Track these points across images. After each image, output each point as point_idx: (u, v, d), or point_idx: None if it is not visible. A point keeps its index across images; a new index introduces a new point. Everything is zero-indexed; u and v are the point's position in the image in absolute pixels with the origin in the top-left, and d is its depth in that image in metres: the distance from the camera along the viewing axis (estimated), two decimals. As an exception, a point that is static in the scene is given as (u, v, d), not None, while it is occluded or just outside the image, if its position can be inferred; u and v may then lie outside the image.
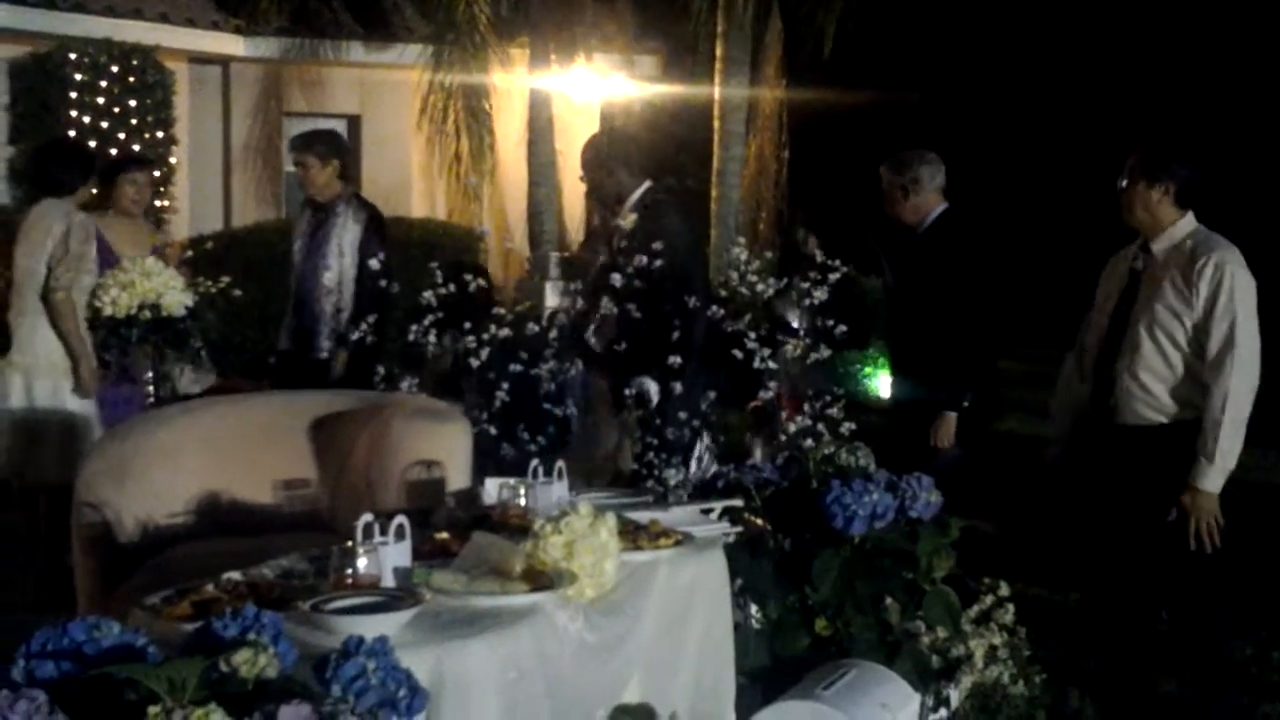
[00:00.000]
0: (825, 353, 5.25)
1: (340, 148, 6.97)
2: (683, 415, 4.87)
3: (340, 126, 16.48)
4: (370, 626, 2.62)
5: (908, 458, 5.08)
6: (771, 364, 5.19)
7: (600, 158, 5.89)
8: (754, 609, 4.20)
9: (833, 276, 5.36)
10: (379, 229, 6.79)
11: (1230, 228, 4.75)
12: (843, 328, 5.30)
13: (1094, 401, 4.83)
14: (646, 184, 5.86)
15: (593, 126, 16.79)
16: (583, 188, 14.96)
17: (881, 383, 13.42)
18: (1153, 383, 4.65)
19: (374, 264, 6.30)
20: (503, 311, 5.53)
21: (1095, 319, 4.93)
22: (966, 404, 5.64)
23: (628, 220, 5.67)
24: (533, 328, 5.78)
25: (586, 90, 15.87)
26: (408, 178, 15.94)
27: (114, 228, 6.56)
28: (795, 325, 7.36)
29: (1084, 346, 5.00)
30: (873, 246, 6.61)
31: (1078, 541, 5.01)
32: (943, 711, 4.30)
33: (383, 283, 5.86)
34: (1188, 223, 4.72)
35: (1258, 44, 19.21)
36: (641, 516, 3.75)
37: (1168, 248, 4.71)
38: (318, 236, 6.67)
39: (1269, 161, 18.28)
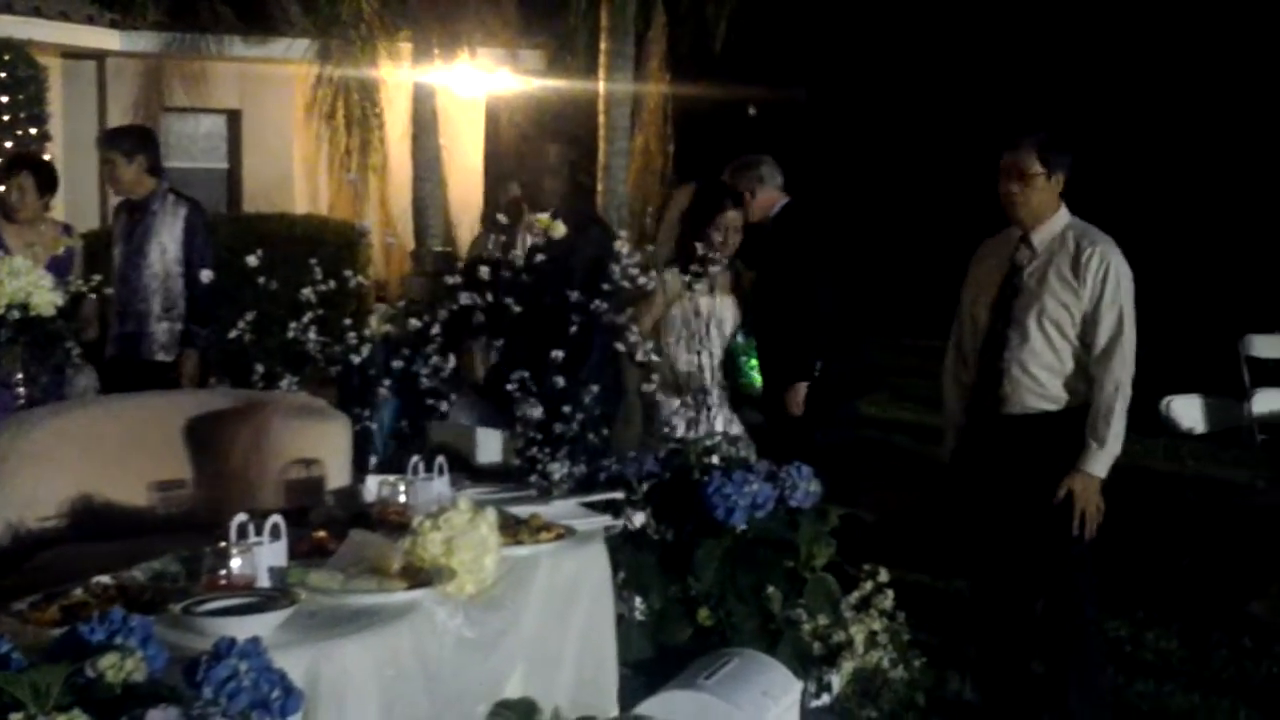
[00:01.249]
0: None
1: (147, 143, 6.78)
2: (566, 409, 4.88)
3: (221, 121, 16.30)
4: (242, 628, 2.60)
5: (781, 444, 5.18)
6: (654, 357, 5.21)
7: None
8: (637, 601, 4.22)
9: (714, 270, 5.44)
10: (202, 223, 6.67)
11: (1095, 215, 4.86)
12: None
13: (979, 392, 4.87)
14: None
15: (478, 121, 16.74)
16: (470, 182, 14.80)
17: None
18: (1042, 373, 4.70)
19: (206, 275, 6.18)
20: (384, 307, 5.50)
21: (973, 311, 4.95)
22: (816, 372, 5.89)
23: (555, 229, 5.61)
24: (414, 323, 5.75)
25: (471, 85, 15.80)
26: (289, 173, 15.76)
27: (9, 230, 6.46)
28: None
29: (960, 339, 5.04)
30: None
31: (965, 529, 5.04)
32: (825, 697, 4.35)
33: (206, 276, 5.78)
34: (1065, 213, 4.80)
35: (1131, 44, 19.65)
36: (523, 511, 3.75)
37: (1048, 239, 4.75)
38: (135, 236, 6.51)
39: (1137, 158, 18.70)
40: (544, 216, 5.59)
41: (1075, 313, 4.66)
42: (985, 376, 4.82)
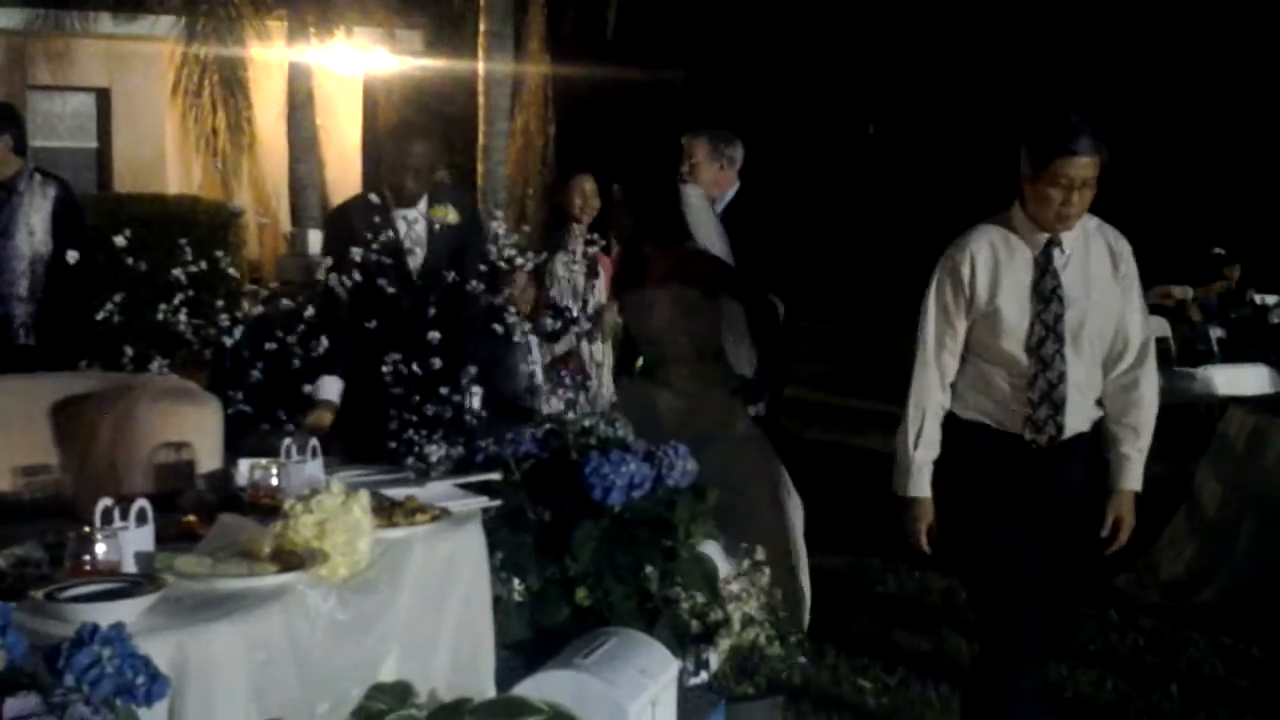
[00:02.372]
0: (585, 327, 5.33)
1: (12, 121, 6.57)
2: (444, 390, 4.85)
3: (89, 100, 15.91)
4: (106, 613, 2.54)
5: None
6: (533, 337, 5.21)
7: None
8: (515, 582, 4.21)
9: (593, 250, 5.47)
10: (72, 204, 6.52)
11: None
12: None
13: (1032, 423, 4.12)
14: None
15: (356, 100, 16.54)
16: (348, 162, 14.60)
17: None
18: (1091, 391, 4.17)
19: (72, 255, 6.04)
20: (257, 289, 5.41)
21: (1004, 327, 4.08)
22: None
23: (450, 215, 5.53)
24: (287, 304, 5.67)
25: (348, 64, 15.61)
26: (160, 152, 15.44)
27: None
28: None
29: (942, 361, 4.18)
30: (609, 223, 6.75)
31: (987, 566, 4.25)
32: (702, 674, 4.38)
33: (72, 257, 5.67)
34: None
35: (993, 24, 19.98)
36: (398, 494, 3.72)
37: (1078, 235, 4.12)
38: (1, 218, 6.35)
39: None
40: (438, 206, 5.49)
41: (1115, 317, 4.14)
42: (1040, 405, 4.09)
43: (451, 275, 5.05)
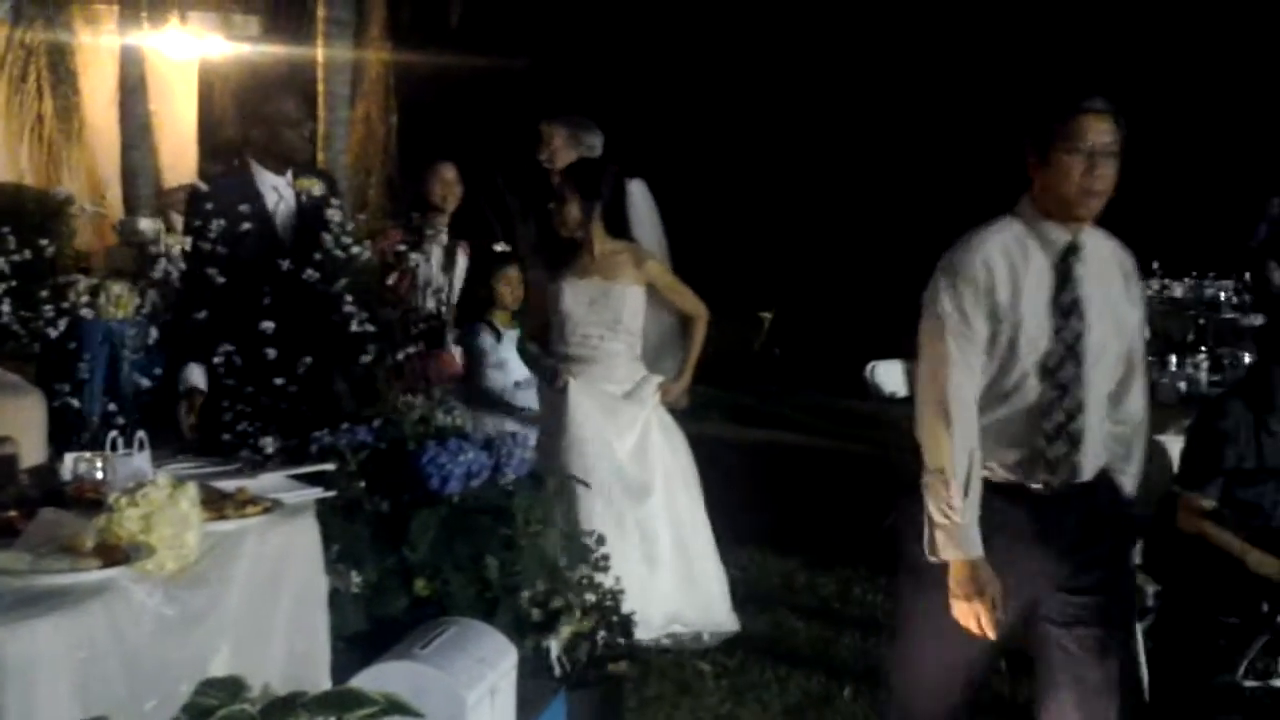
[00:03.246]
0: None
1: None
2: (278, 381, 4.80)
3: (-94, 84, 15.30)
4: (-82, 612, 2.46)
5: None
6: (370, 327, 5.16)
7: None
8: (352, 574, 4.18)
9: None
10: None
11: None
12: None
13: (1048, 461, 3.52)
14: None
15: (191, 87, 16.16)
16: (183, 149, 14.26)
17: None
18: (1103, 421, 3.62)
19: None
20: (80, 279, 5.29)
21: (1021, 347, 3.48)
22: None
23: (314, 186, 5.46)
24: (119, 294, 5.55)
25: (182, 49, 15.25)
26: (-14, 139, 14.91)
27: None
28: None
29: (961, 388, 3.46)
30: (488, 214, 6.75)
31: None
32: (542, 661, 4.39)
33: None
34: None
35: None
36: (229, 485, 3.66)
37: (1092, 243, 3.60)
38: None
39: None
40: (303, 178, 5.41)
41: (1129, 338, 3.64)
42: (1055, 440, 3.50)
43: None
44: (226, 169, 5.87)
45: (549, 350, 5.95)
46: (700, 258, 6.25)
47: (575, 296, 5.79)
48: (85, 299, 5.34)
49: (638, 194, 6.10)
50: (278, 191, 5.34)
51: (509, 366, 6.53)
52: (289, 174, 5.38)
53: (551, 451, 5.58)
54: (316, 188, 5.40)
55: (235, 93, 15.83)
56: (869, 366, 6.13)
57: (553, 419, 5.78)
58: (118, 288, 6.30)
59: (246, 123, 5.50)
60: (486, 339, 6.57)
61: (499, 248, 6.77)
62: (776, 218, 18.37)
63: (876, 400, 6.85)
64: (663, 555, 5.69)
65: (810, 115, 19.65)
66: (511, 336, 6.55)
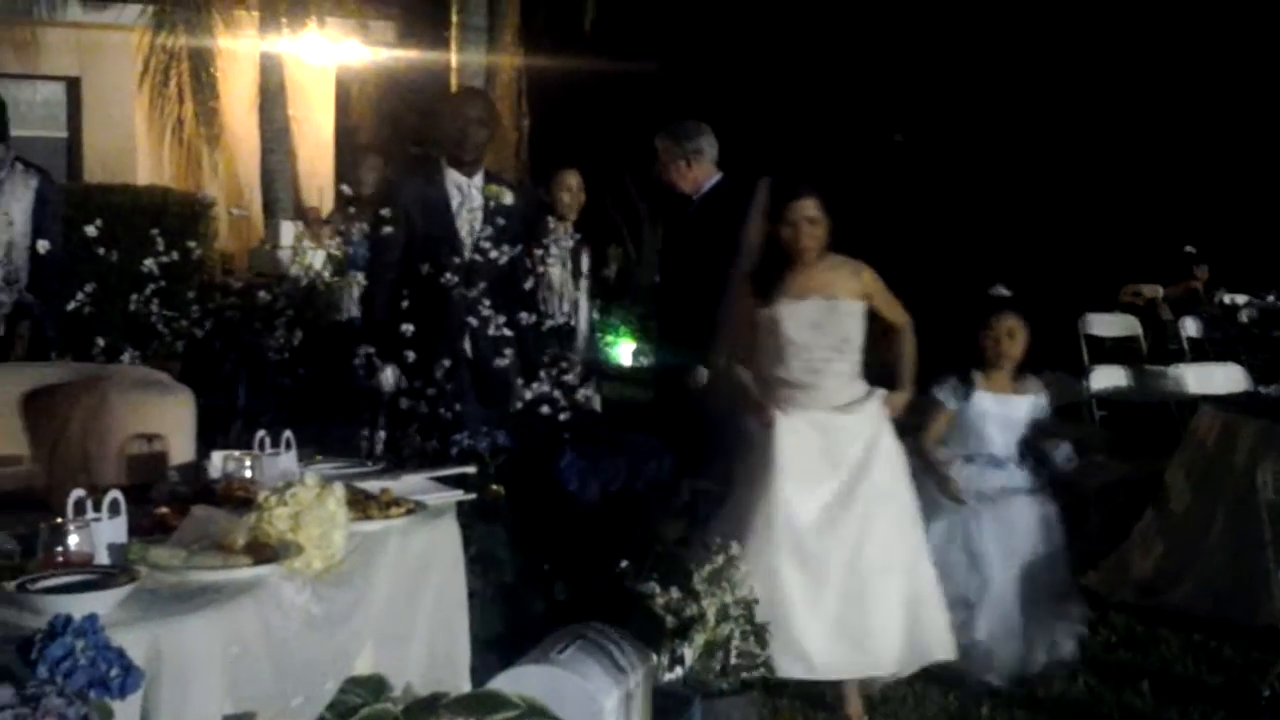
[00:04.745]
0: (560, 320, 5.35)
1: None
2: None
3: (59, 89, 15.79)
4: (79, 605, 2.51)
5: (674, 421, 5.18)
6: (507, 331, 5.19)
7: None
8: (489, 576, 4.20)
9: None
10: (54, 195, 6.46)
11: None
12: None
13: None
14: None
15: (328, 92, 16.47)
16: (320, 153, 14.47)
17: (623, 351, 13.58)
18: None
19: (43, 245, 6.03)
20: (230, 281, 5.39)
21: None
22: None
23: (503, 195, 5.63)
24: (264, 296, 5.65)
25: (320, 55, 15.52)
26: (131, 142, 15.33)
27: None
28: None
29: None
30: (614, 216, 6.76)
31: None
32: (677, 670, 4.37)
33: (43, 247, 5.71)
34: None
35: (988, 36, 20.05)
36: (373, 486, 3.70)
37: None
38: None
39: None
40: (493, 185, 5.59)
41: None
42: None
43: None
44: (411, 166, 6.02)
45: (755, 378, 5.08)
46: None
47: (797, 320, 4.98)
48: (231, 299, 5.43)
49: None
50: (461, 191, 5.52)
51: None
52: (478, 177, 5.54)
53: (748, 485, 4.94)
54: (507, 197, 5.56)
55: (370, 100, 16.10)
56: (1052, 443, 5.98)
57: (755, 455, 4.97)
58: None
59: (434, 123, 5.68)
60: None
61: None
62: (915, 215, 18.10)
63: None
64: (834, 595, 4.94)
65: (955, 115, 19.38)
66: None
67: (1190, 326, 11.59)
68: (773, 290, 5.01)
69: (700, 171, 6.05)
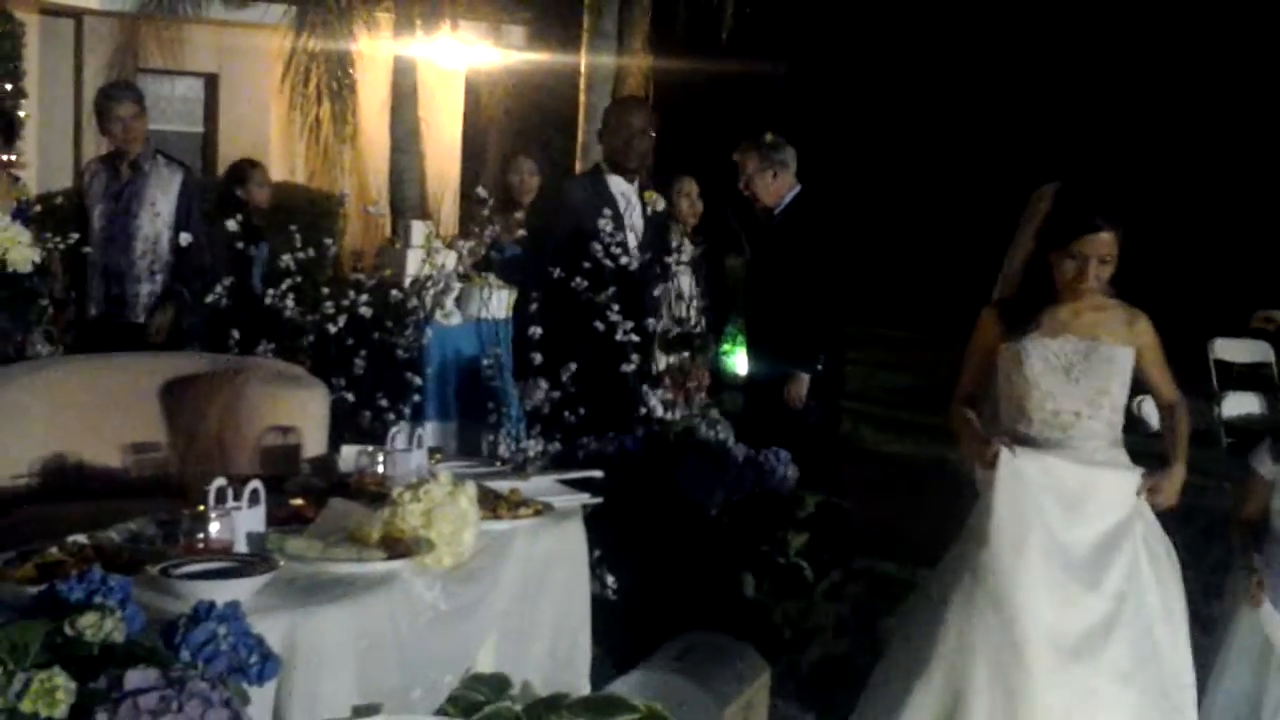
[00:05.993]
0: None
1: (141, 97, 6.72)
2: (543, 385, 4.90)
3: (198, 85, 16.16)
4: (221, 591, 2.58)
5: (766, 430, 5.17)
6: (634, 337, 5.22)
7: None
8: (611, 579, 4.22)
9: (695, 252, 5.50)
10: (196, 189, 6.65)
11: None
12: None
13: None
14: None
15: (458, 94, 16.66)
16: (447, 155, 14.63)
17: (739, 360, 13.54)
18: None
19: (185, 238, 6.25)
20: (362, 278, 5.48)
21: None
22: (820, 367, 5.83)
23: (657, 202, 5.85)
24: (395, 295, 5.74)
25: (452, 58, 15.70)
26: (265, 139, 15.62)
27: None
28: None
29: None
30: (733, 224, 6.77)
31: None
32: (793, 682, 4.36)
33: (185, 239, 5.92)
34: None
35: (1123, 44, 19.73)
36: (501, 486, 3.73)
37: None
38: (124, 196, 6.41)
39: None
40: (649, 191, 5.80)
41: None
42: None
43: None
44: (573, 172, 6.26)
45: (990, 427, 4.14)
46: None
47: (1046, 360, 4.05)
48: (364, 296, 5.51)
49: None
50: (626, 198, 5.73)
51: None
52: (636, 183, 5.74)
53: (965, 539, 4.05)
54: (661, 203, 5.79)
55: (500, 104, 16.25)
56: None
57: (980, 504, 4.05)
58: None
59: (603, 130, 5.96)
60: None
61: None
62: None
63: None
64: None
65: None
66: None
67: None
68: (1025, 323, 4.08)
69: (782, 184, 6.10)
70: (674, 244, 6.92)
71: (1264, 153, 18.84)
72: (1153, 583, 3.94)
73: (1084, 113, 19.73)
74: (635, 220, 5.67)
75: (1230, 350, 10.99)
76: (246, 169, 7.70)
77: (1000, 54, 20.33)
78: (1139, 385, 4.33)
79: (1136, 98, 19.49)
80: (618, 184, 5.73)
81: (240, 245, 6.33)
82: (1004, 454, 3.90)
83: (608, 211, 5.50)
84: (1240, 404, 9.24)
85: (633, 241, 5.60)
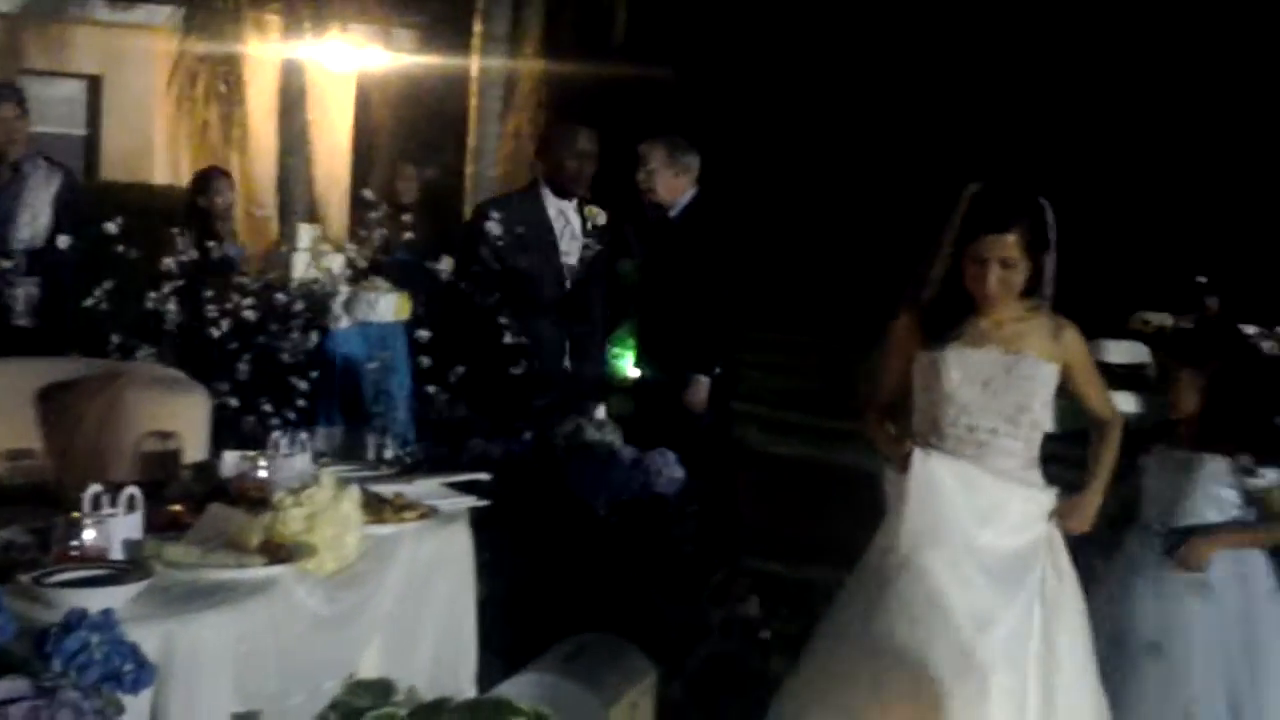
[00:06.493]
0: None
1: (23, 98, 6.60)
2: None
3: (81, 87, 15.86)
4: (94, 599, 2.54)
5: (658, 433, 5.20)
6: (524, 339, 5.23)
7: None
8: (498, 582, 4.21)
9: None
10: (77, 193, 6.55)
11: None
12: None
13: None
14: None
15: (348, 97, 16.52)
16: (338, 158, 14.52)
17: (628, 363, 13.58)
18: None
19: (63, 241, 6.15)
20: (246, 281, 5.42)
21: None
22: (717, 371, 5.86)
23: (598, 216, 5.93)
24: (280, 298, 5.69)
25: (342, 61, 15.58)
26: (150, 142, 15.40)
27: None
28: None
29: None
30: (627, 229, 6.78)
31: None
32: (681, 682, 4.39)
33: (63, 242, 5.88)
34: None
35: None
36: (386, 490, 3.71)
37: None
38: (5, 197, 6.30)
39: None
40: (591, 206, 5.86)
41: None
42: None
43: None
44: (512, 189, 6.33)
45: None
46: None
47: (965, 372, 3.82)
48: (249, 300, 5.45)
49: (1050, 213, 4.10)
50: (564, 215, 5.79)
51: None
52: (575, 200, 5.79)
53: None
54: (602, 218, 5.83)
55: (390, 106, 16.14)
56: None
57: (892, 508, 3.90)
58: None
59: (546, 150, 5.97)
60: None
61: None
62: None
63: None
64: None
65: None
66: None
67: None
68: (945, 331, 3.86)
69: (683, 184, 6.12)
70: None
71: (1146, 160, 19.32)
72: (1053, 617, 3.76)
73: (973, 117, 20.06)
74: (572, 237, 5.76)
75: (1112, 352, 11.26)
76: (208, 178, 7.60)
77: (891, 58, 20.61)
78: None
79: (1019, 99, 19.87)
80: (554, 202, 5.79)
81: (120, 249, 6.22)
82: (917, 454, 3.78)
83: (542, 231, 5.66)
84: (1119, 404, 9.46)
85: (568, 260, 5.72)
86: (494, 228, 5.54)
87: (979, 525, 3.76)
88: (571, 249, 5.77)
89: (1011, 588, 3.74)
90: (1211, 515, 4.25)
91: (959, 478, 3.78)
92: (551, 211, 5.79)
